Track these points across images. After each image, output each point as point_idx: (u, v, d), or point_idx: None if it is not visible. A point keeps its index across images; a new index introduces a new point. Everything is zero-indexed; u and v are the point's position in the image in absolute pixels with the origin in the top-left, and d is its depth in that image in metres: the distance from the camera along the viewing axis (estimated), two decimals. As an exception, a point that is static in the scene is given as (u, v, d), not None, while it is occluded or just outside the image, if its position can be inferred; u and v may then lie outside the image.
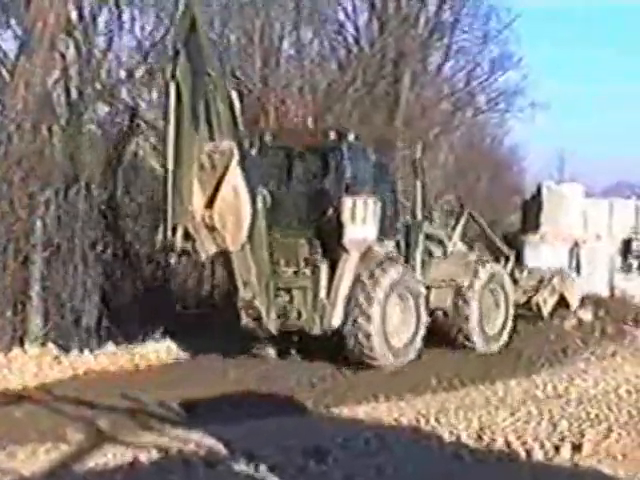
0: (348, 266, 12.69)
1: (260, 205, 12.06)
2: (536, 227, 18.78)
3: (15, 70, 14.52)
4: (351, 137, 13.08)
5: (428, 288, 13.83)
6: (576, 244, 18.46)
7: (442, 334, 14.04)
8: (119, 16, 16.17)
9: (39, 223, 13.28)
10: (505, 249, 16.12)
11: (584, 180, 22.14)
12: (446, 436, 8.31)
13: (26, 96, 14.11)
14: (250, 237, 11.79)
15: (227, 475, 7.18)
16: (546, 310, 15.76)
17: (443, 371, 12.33)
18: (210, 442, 8.05)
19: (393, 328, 12.91)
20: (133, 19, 16.37)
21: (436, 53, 22.67)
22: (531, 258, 18.05)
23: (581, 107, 60.89)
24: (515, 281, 15.49)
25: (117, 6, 16.08)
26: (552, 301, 15.89)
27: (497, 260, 15.56)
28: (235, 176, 11.42)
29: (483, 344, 14.23)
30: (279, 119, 16.94)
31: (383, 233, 13.35)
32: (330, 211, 12.75)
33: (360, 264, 12.77)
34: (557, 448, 7.69)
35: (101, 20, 16.09)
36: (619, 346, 13.89)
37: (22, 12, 14.57)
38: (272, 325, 12.46)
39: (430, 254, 14.38)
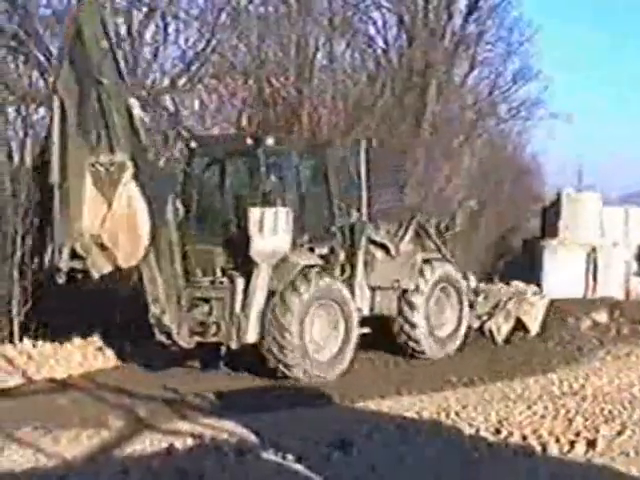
0: (260, 279, 11.38)
1: (170, 216, 10.98)
2: (555, 233, 18.69)
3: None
4: (270, 142, 11.71)
5: (373, 292, 12.68)
6: (593, 250, 18.34)
7: (392, 339, 12.97)
8: (165, 28, 16.24)
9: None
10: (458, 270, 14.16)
11: (602, 186, 22.00)
12: (465, 430, 8.25)
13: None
14: (157, 251, 10.79)
15: (256, 463, 7.17)
16: (500, 337, 14.02)
17: (463, 368, 12.25)
18: (241, 431, 8.06)
19: (316, 341, 11.66)
20: (178, 31, 16.44)
21: (461, 64, 22.56)
22: (550, 263, 17.96)
23: (601, 114, 60.29)
24: (471, 305, 13.81)
25: (163, 19, 16.13)
26: (507, 327, 14.10)
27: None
28: (128, 190, 10.48)
29: (434, 349, 12.98)
30: (312, 126, 16.93)
31: (317, 237, 12.19)
32: (241, 221, 11.58)
33: (275, 275, 11.46)
34: (572, 443, 7.59)
35: (148, 31, 16.17)
36: (634, 346, 13.69)
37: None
38: (183, 341, 11.22)
39: (374, 257, 12.94)
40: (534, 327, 14.33)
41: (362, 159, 12.82)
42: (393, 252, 12.95)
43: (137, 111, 10.83)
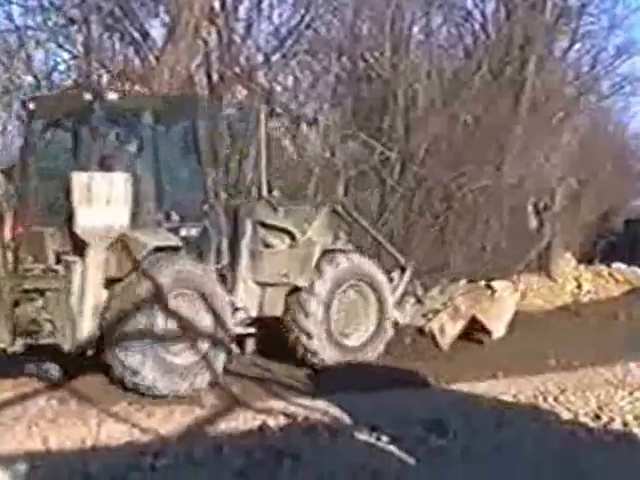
0: (92, 263, 9.14)
1: None
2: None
3: (161, 56, 14.81)
4: (112, 96, 9.71)
5: (263, 289, 10.53)
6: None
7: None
8: (259, 4, 16.28)
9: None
10: (400, 258, 11.91)
11: None
12: (564, 415, 8.13)
13: (171, 80, 14.37)
14: None
15: (349, 443, 7.19)
16: (444, 340, 11.63)
17: (562, 352, 12.03)
18: (334, 411, 8.08)
19: (169, 345, 9.28)
20: (271, 6, 16.47)
21: (562, 38, 22.08)
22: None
23: None
24: (419, 300, 11.81)
25: (257, -6, 16.19)
26: (454, 328, 11.71)
27: (388, 272, 11.60)
28: None
29: (337, 355, 10.66)
30: (407, 102, 16.78)
31: (184, 216, 9.95)
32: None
33: (112, 259, 9.22)
34: (676, 431, 7.42)
35: (242, 7, 16.24)
36: None
37: (170, 1, 14.80)
38: (5, 343, 9.03)
39: (267, 246, 10.73)
40: (496, 328, 11.93)
41: (256, 125, 10.93)
42: (300, 240, 10.75)
43: None
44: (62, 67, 15.53)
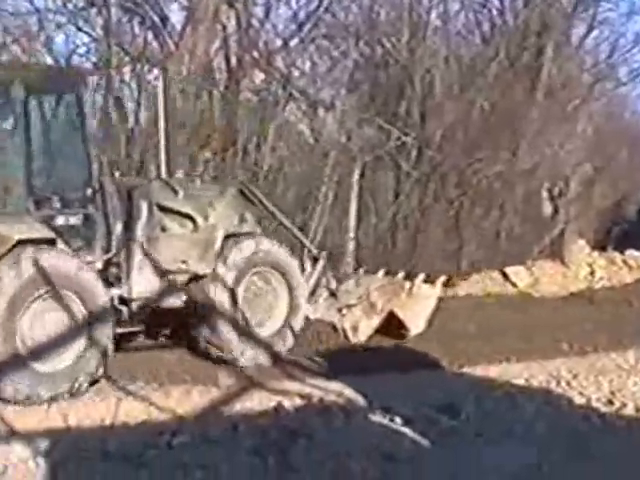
0: None
1: None
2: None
3: (180, 40, 14.82)
4: None
5: (161, 278, 9.31)
6: None
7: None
8: (277, -13, 16.26)
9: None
10: (312, 247, 10.91)
11: None
12: (576, 399, 8.13)
13: (189, 64, 14.39)
14: None
15: (364, 424, 7.23)
16: (357, 336, 10.69)
17: (574, 337, 12.02)
18: (348, 393, 8.10)
19: (37, 346, 8.06)
20: (290, -9, 16.43)
21: (580, 24, 21.96)
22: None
23: None
24: (332, 294, 10.71)
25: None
26: (369, 325, 10.75)
27: (302, 263, 10.54)
28: None
29: (250, 354, 9.65)
30: (424, 88, 16.75)
31: (68, 201, 8.74)
32: None
33: None
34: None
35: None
36: None
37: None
38: None
39: (163, 230, 9.48)
40: (415, 324, 10.96)
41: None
42: (201, 224, 9.64)
43: None
44: (81, 50, 15.59)
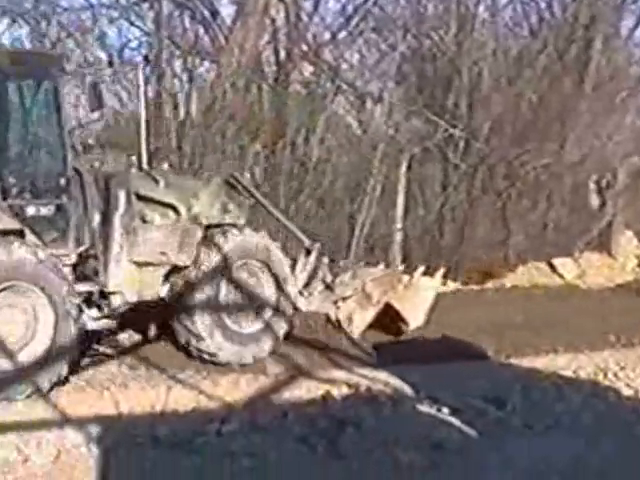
0: None
1: None
2: None
3: (230, 34, 14.85)
4: None
5: (140, 270, 8.76)
6: None
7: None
8: (326, -19, 16.22)
9: (247, 174, 13.41)
10: (304, 238, 10.27)
11: None
12: (624, 391, 8.02)
13: (239, 57, 14.41)
14: None
15: (411, 414, 7.19)
16: (353, 329, 10.16)
17: (622, 329, 11.84)
18: (396, 382, 8.08)
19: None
20: (339, -16, 16.38)
21: (629, 16, 21.63)
22: None
23: None
24: (327, 286, 10.16)
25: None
26: (364, 317, 10.24)
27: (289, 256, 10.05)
28: None
29: (233, 353, 9.12)
30: (471, 80, 16.60)
31: (41, 191, 8.31)
32: None
33: None
34: None
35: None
36: None
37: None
38: None
39: (144, 220, 8.96)
40: (414, 318, 10.49)
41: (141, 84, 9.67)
42: (184, 215, 9.11)
43: None
44: (133, 44, 15.71)
